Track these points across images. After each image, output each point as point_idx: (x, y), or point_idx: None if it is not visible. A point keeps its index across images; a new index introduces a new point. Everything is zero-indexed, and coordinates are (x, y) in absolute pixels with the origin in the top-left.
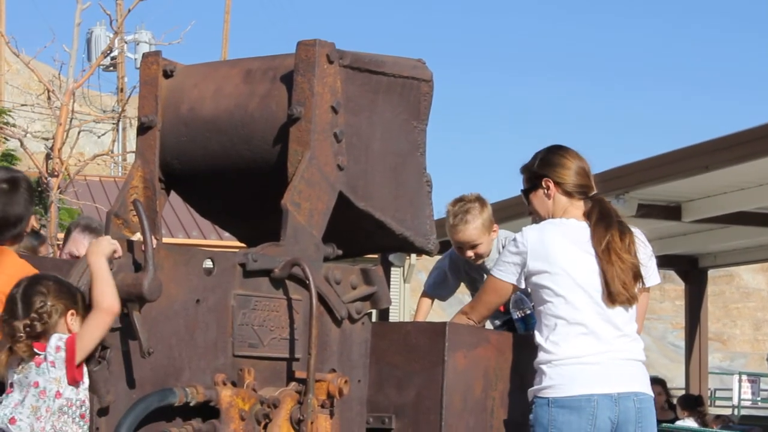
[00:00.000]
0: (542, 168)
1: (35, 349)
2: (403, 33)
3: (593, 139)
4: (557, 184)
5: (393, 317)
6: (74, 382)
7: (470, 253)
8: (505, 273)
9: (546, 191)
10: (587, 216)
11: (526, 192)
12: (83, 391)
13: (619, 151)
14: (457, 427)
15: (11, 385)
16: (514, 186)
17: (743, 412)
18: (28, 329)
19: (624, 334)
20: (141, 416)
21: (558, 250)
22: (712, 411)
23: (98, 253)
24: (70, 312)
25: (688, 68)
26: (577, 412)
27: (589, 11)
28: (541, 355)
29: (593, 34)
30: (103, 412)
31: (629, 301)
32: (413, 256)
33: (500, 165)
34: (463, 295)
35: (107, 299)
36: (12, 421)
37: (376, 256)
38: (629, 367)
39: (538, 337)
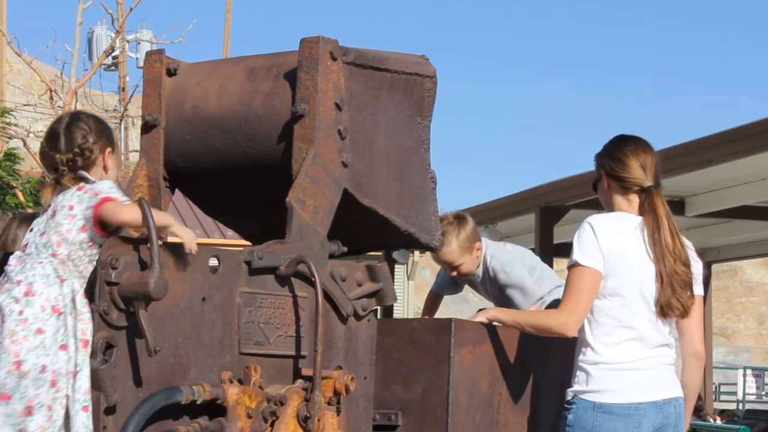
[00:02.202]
0: (600, 159)
1: (81, 173)
2: (406, 29)
3: (595, 135)
4: (612, 177)
5: (397, 314)
6: (95, 230)
7: (453, 273)
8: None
9: (605, 184)
10: (640, 211)
11: (594, 183)
12: (97, 250)
13: None
14: (463, 423)
15: (48, 208)
16: (519, 182)
17: (748, 406)
18: (70, 163)
19: (665, 342)
20: (148, 414)
21: (617, 246)
22: (717, 406)
23: (184, 227)
24: (108, 150)
25: (691, 63)
26: (624, 420)
27: (588, 7)
28: (589, 355)
29: (593, 29)
30: (110, 410)
31: (682, 315)
32: (417, 253)
33: (504, 160)
34: (467, 292)
35: (162, 219)
36: (42, 234)
37: (379, 253)
38: (670, 373)
39: (588, 334)
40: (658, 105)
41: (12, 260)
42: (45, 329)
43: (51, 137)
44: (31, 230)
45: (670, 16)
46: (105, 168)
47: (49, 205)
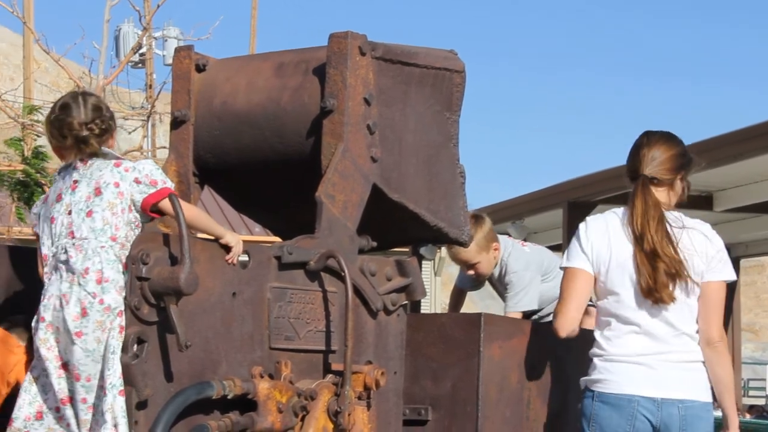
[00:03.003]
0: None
1: (104, 149)
2: (434, 24)
3: (625, 131)
4: (628, 170)
5: (424, 310)
6: (146, 211)
7: (470, 272)
8: (573, 260)
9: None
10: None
11: None
12: (139, 231)
13: None
14: (493, 418)
15: (75, 183)
16: (547, 178)
17: None
18: (92, 126)
19: (682, 333)
20: (179, 409)
21: (602, 242)
22: (746, 401)
23: (234, 235)
24: (114, 133)
25: (720, 58)
26: (618, 410)
27: (614, 3)
28: (595, 347)
29: (619, 26)
30: (141, 405)
31: (662, 300)
32: (444, 249)
33: (532, 155)
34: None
35: (217, 231)
36: (89, 213)
37: (406, 249)
38: (681, 371)
39: (596, 331)
40: (687, 100)
41: (69, 249)
42: (123, 312)
43: (63, 107)
44: (53, 204)
45: (698, 13)
46: (112, 147)
47: (75, 180)
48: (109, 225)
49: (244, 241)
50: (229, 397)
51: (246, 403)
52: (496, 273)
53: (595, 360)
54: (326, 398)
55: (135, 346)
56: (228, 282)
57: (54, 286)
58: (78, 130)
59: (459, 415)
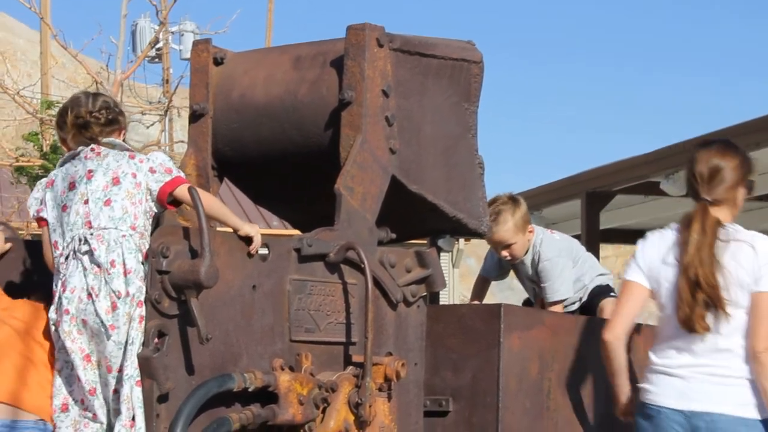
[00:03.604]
0: None
1: (114, 140)
2: (451, 15)
3: (639, 120)
4: (688, 186)
5: (443, 302)
6: (163, 201)
7: (505, 253)
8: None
9: None
10: None
11: None
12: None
13: (668, 131)
14: (513, 408)
15: (90, 172)
16: (564, 168)
17: None
18: (94, 118)
19: (725, 349)
20: (200, 402)
21: (656, 259)
22: None
23: (252, 226)
24: (123, 131)
25: (743, 46)
26: (650, 421)
27: None
28: (648, 359)
29: (638, 16)
30: (162, 398)
31: (696, 331)
32: (462, 241)
33: (549, 146)
34: (512, 280)
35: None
36: (107, 203)
37: (424, 241)
38: (711, 385)
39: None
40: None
41: (91, 241)
42: (143, 303)
43: (74, 102)
44: (65, 192)
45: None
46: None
47: (90, 169)
48: (128, 214)
49: (263, 234)
50: (250, 390)
51: (267, 396)
52: (528, 260)
53: (645, 370)
54: (347, 390)
55: (156, 339)
56: (248, 275)
57: (76, 278)
58: (82, 117)
59: (479, 406)
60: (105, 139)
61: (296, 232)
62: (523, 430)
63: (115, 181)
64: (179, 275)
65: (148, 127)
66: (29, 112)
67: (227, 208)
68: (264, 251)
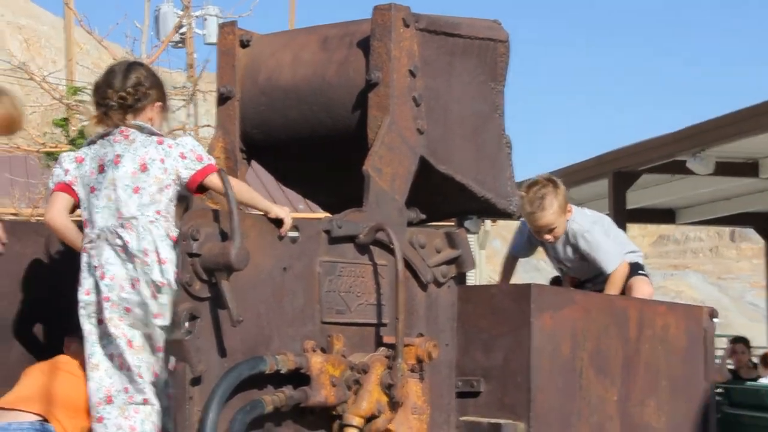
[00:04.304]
0: None
1: (141, 123)
2: None
3: (668, 98)
4: None
5: (470, 283)
6: (192, 189)
7: (548, 237)
8: None
9: None
10: None
11: None
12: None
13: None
14: (546, 388)
15: (118, 157)
16: (591, 148)
17: None
18: (121, 100)
19: None
20: (233, 385)
21: None
22: None
23: (282, 208)
24: (158, 103)
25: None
26: None
27: None
28: None
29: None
30: (195, 381)
31: None
32: (488, 222)
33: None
34: (538, 260)
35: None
36: (136, 190)
37: (451, 222)
38: None
39: None
40: (730, 67)
41: (122, 234)
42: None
43: (108, 73)
44: (94, 173)
45: None
46: (151, 120)
47: (117, 154)
48: (155, 201)
49: (292, 217)
50: (282, 372)
51: (299, 378)
52: (562, 238)
53: None
54: (379, 371)
55: (188, 322)
56: (278, 257)
57: (116, 267)
58: (109, 99)
59: (511, 387)
60: (133, 122)
61: (322, 215)
62: (556, 410)
63: (143, 168)
64: (210, 258)
65: (173, 112)
66: (55, 98)
67: (256, 193)
68: (294, 233)
